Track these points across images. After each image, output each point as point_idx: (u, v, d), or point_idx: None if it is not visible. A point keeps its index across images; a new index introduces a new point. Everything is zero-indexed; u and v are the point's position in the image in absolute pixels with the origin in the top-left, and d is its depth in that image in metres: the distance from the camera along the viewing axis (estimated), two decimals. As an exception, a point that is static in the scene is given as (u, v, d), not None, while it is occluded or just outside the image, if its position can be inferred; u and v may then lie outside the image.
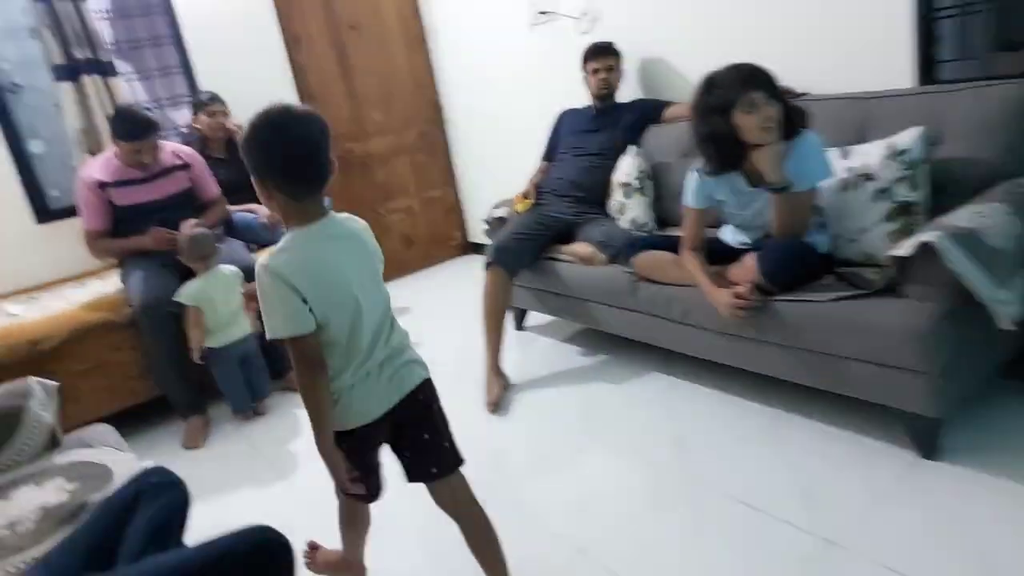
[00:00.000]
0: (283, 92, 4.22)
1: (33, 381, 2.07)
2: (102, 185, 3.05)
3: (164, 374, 3.03)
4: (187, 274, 2.93)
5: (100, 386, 2.96)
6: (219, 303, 2.90)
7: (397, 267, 4.82)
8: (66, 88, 3.48)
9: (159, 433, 3.10)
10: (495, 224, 3.50)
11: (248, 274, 3.00)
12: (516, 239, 3.05)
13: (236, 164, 3.62)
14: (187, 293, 2.84)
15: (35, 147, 3.57)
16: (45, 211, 3.58)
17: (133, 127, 2.95)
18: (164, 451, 2.92)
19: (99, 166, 3.07)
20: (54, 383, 2.12)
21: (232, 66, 4.02)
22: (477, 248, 5.12)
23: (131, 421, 3.04)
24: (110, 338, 2.97)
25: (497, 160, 4.62)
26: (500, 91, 4.37)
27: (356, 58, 4.51)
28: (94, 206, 3.05)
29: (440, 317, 3.95)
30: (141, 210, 3.12)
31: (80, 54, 3.49)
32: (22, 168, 3.50)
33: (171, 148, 3.24)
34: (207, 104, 3.66)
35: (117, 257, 3.16)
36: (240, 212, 3.58)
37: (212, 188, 3.37)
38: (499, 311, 2.99)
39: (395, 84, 4.70)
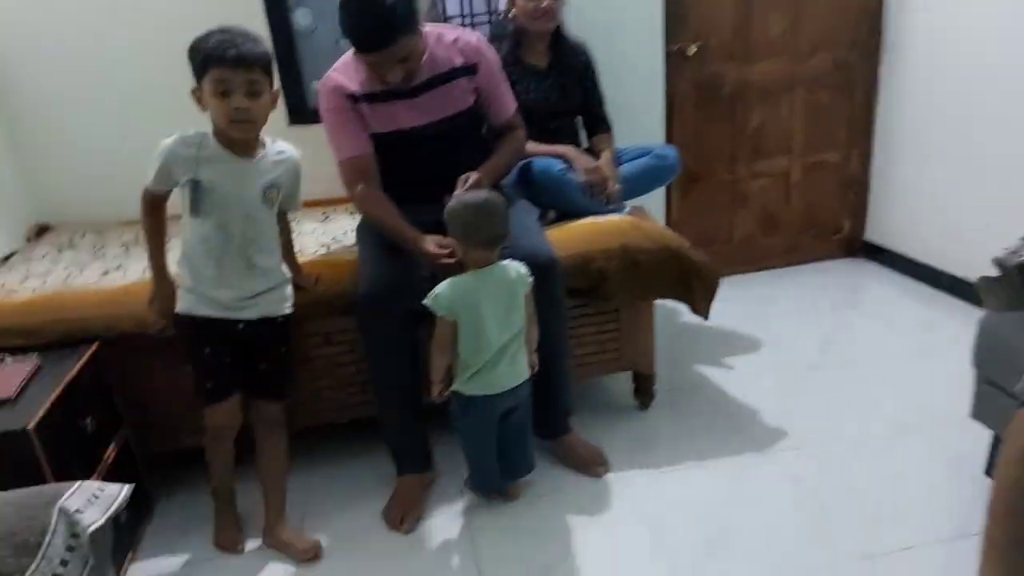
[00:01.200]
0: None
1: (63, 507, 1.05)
2: (353, 97, 1.95)
3: (382, 400, 1.97)
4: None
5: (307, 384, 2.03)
6: (489, 321, 1.70)
7: (744, 258, 3.29)
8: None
9: (360, 470, 2.10)
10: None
11: (538, 271, 1.80)
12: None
13: (560, 76, 2.44)
14: (444, 296, 1.69)
15: (301, 18, 2.60)
16: (301, 110, 2.64)
17: (363, 32, 1.77)
18: (352, 525, 1.90)
19: (345, 70, 1.97)
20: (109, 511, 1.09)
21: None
22: (873, 252, 3.35)
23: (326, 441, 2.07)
24: (330, 323, 2.01)
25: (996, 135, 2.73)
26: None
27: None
28: (348, 125, 1.97)
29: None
30: (399, 141, 2.00)
31: None
32: (280, 46, 2.56)
33: (450, 36, 2.02)
34: None
35: (379, 228, 2.04)
36: (543, 156, 2.32)
37: (507, 103, 2.12)
38: None
39: (817, -23, 2.98)
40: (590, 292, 2.06)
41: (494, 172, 2.01)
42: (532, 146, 2.28)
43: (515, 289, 1.72)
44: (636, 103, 2.86)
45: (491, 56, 2.05)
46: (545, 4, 2.34)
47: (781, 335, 2.73)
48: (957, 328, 2.59)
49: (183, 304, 1.73)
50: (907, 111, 3.06)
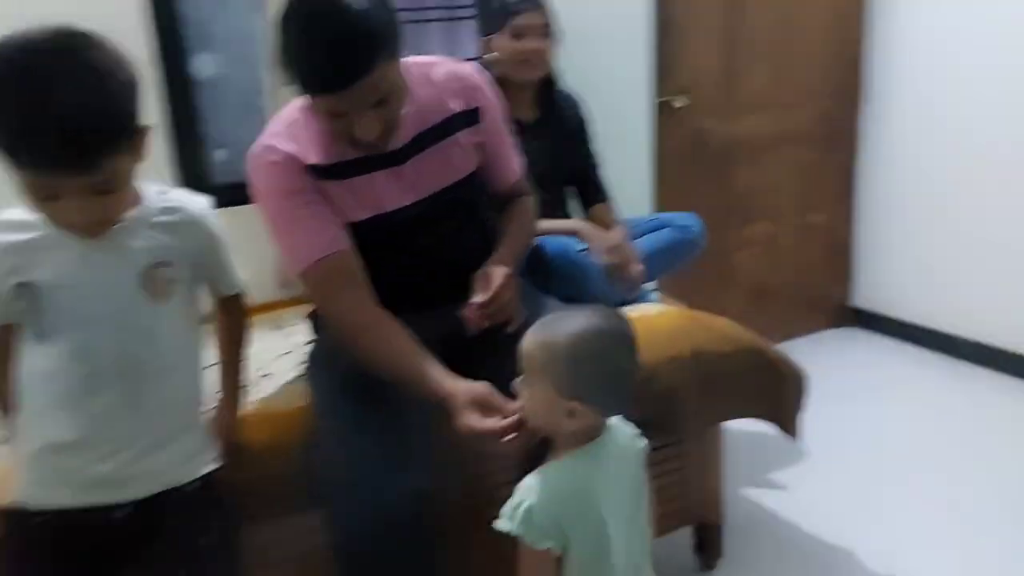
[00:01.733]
0: (635, 18, 2.36)
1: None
2: (314, 172, 1.30)
3: None
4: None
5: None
6: (615, 532, 1.01)
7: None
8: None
9: None
10: None
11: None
12: None
13: (550, 136, 1.95)
14: (539, 510, 0.96)
15: (204, 65, 1.92)
16: (201, 185, 1.92)
17: (322, 59, 1.12)
18: None
19: (291, 135, 1.30)
20: None
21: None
22: (864, 320, 3.04)
23: None
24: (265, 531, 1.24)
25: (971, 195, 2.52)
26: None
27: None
28: (311, 215, 1.30)
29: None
30: (380, 230, 1.35)
31: None
32: (175, 102, 1.86)
33: (440, 71, 1.40)
34: (513, 13, 1.84)
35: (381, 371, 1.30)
36: (553, 234, 1.76)
37: (514, 161, 1.53)
38: None
39: (798, 26, 2.68)
40: (654, 421, 1.48)
41: (516, 262, 1.42)
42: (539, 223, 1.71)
43: (635, 467, 1.09)
44: (621, 162, 2.36)
45: (493, 96, 1.47)
46: (532, 46, 1.83)
47: (813, 434, 2.27)
48: (988, 397, 2.43)
49: (20, 492, 1.03)
50: (889, 165, 2.84)
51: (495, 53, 1.87)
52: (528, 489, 0.98)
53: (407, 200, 1.36)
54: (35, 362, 1.02)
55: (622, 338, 1.01)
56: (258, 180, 1.31)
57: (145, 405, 1.04)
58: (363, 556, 1.16)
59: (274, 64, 1.20)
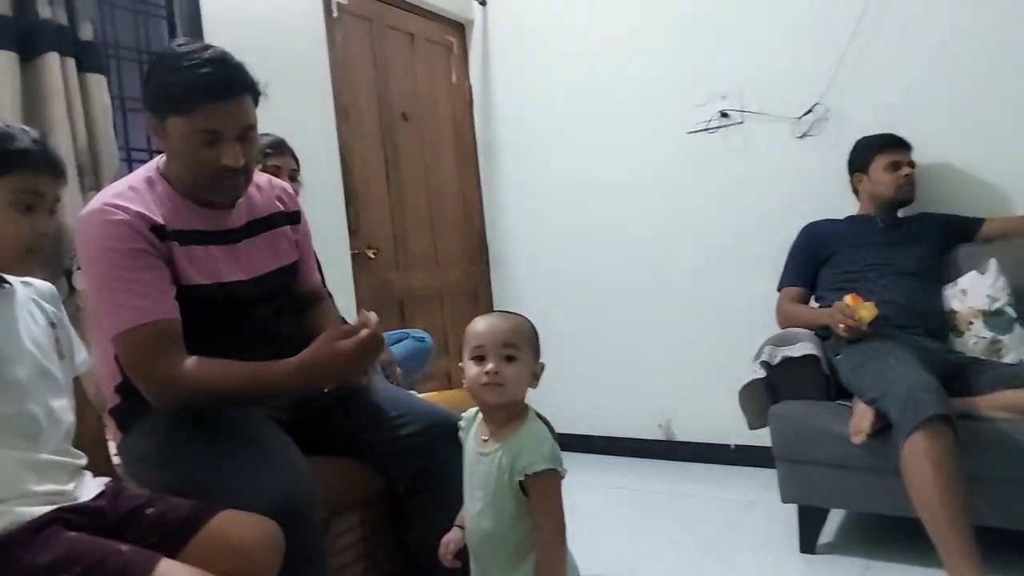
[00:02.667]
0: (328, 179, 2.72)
1: None
2: (159, 232, 1.31)
3: None
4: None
5: None
6: None
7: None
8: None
9: None
10: (778, 372, 2.16)
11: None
12: (930, 379, 1.81)
13: None
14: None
15: None
16: None
17: (211, 70, 1.26)
18: None
19: (137, 197, 1.33)
20: None
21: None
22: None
23: None
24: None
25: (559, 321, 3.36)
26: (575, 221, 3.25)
27: (405, 149, 3.16)
28: (153, 273, 1.30)
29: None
30: (218, 300, 1.40)
31: (47, 13, 1.77)
32: None
33: (262, 178, 1.59)
34: (265, 155, 2.03)
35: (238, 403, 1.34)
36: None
37: (315, 268, 1.72)
38: (962, 503, 1.65)
39: (443, 200, 3.36)
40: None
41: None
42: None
43: None
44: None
45: (301, 212, 1.68)
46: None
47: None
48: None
49: None
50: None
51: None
52: (538, 437, 1.19)
53: (240, 276, 1.43)
54: None
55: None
56: (94, 238, 1.28)
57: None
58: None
59: (152, 101, 1.30)
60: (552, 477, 1.16)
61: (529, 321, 1.27)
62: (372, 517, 1.54)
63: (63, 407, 1.13)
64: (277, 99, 1.81)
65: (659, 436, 3.17)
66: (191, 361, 1.26)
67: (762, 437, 2.23)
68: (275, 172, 1.96)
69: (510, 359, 1.19)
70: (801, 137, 2.76)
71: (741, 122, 2.87)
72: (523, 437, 1.19)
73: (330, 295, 1.77)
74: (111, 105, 1.96)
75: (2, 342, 1.05)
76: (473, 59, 3.53)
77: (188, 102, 1.25)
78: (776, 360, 2.13)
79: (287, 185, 1.65)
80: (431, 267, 3.27)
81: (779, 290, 2.44)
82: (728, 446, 2.99)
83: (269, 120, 1.66)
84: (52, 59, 1.76)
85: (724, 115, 2.89)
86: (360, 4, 2.95)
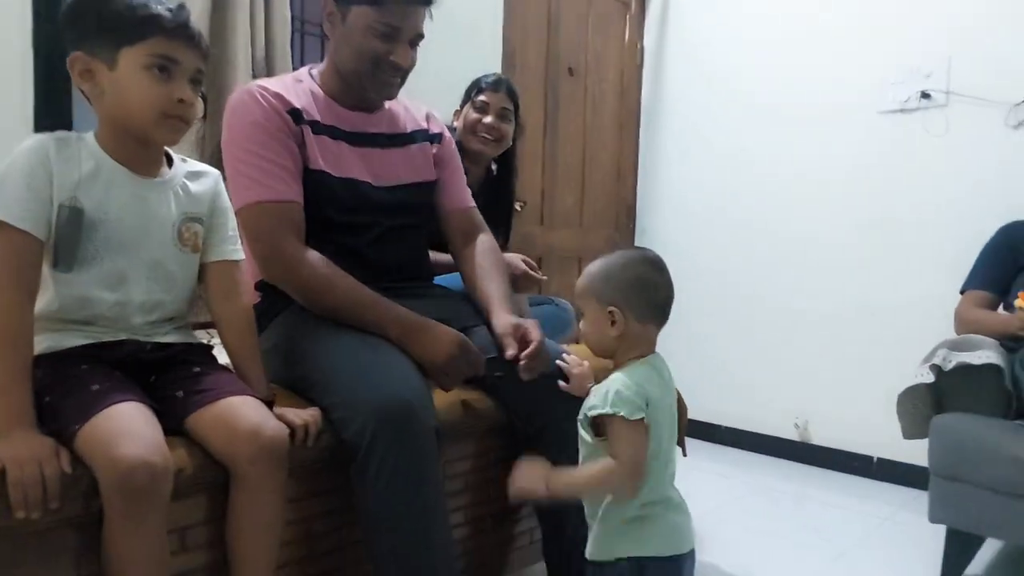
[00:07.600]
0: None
1: None
2: (296, 115, 1.34)
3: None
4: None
5: None
6: (666, 437, 1.17)
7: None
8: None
9: None
10: (948, 380, 1.90)
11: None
12: None
13: (497, 202, 2.09)
14: (631, 392, 1.11)
15: None
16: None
17: None
18: None
19: (284, 86, 1.39)
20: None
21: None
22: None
23: None
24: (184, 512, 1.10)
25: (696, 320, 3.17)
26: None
27: (566, 105, 3.09)
28: (282, 153, 1.32)
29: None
30: (344, 198, 1.40)
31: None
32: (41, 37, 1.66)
33: (409, 102, 1.59)
34: (483, 89, 1.95)
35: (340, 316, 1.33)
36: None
37: (466, 190, 1.66)
38: None
39: (597, 161, 3.27)
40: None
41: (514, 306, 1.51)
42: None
43: (673, 398, 1.22)
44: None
45: (450, 140, 1.65)
46: (489, 120, 1.94)
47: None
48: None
49: (40, 344, 1.05)
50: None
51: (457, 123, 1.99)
52: (612, 380, 1.13)
53: (369, 179, 1.44)
54: (60, 293, 1.06)
55: (643, 258, 1.21)
56: (235, 114, 1.33)
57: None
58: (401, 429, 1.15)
59: None
60: (614, 421, 1.10)
61: (587, 271, 1.20)
62: (488, 448, 1.50)
63: (166, 300, 1.16)
64: (446, 42, 1.80)
65: (793, 436, 2.95)
66: (317, 256, 1.30)
67: (911, 454, 2.00)
68: (483, 107, 1.93)
69: (579, 317, 1.22)
70: (1016, 127, 2.42)
71: (945, 104, 2.56)
72: (605, 383, 1.15)
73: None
74: (291, 23, 2.03)
75: (135, 222, 1.10)
76: (650, 21, 3.39)
77: None
78: (950, 365, 1.88)
79: (434, 111, 1.62)
80: (574, 227, 3.20)
81: (962, 292, 2.16)
82: (871, 458, 2.72)
83: (435, 61, 1.67)
84: (242, -31, 1.84)
85: (925, 96, 2.58)
86: (539, -49, 2.90)
